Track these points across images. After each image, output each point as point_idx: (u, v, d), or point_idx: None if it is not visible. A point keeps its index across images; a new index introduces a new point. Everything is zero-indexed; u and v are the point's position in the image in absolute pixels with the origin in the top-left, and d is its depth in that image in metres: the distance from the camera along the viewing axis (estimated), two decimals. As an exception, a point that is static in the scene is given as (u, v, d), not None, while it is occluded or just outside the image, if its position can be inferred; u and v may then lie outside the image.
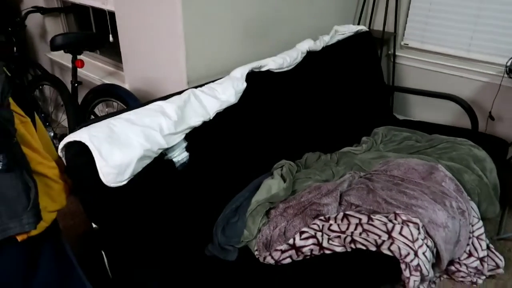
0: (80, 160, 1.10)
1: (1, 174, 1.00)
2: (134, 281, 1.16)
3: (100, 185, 1.09)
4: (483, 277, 1.53)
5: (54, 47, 1.72)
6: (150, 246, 1.21)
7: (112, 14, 1.92)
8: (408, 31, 2.48)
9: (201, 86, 1.50)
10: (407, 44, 2.50)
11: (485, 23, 2.15)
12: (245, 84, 1.54)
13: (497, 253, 1.57)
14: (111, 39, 1.93)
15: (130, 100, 1.62)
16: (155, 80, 1.75)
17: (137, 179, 1.16)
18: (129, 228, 1.17)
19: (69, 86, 1.97)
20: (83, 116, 1.84)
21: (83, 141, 1.09)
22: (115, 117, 1.21)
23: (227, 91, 1.47)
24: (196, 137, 1.35)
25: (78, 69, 1.95)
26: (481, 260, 1.50)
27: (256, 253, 1.34)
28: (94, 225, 1.21)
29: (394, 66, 2.54)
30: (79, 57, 1.90)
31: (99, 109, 2.00)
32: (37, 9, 2.24)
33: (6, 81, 1.04)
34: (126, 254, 1.18)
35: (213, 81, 1.55)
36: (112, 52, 2.21)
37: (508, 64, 2.00)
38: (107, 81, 2.04)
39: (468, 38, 2.24)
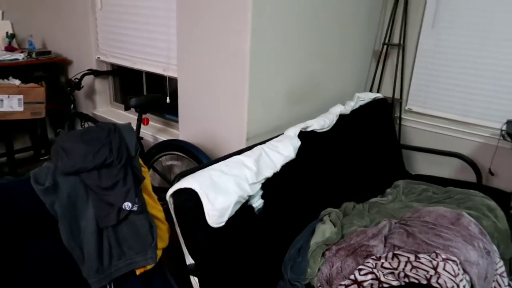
0: (189, 204, 1.31)
1: (136, 215, 1.21)
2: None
3: (205, 226, 1.30)
4: (506, 311, 1.76)
5: (128, 106, 1.97)
6: (238, 280, 1.40)
7: (169, 78, 2.21)
8: (411, 97, 2.86)
9: (262, 143, 1.77)
10: (411, 109, 2.88)
11: (477, 93, 2.50)
12: (299, 142, 1.82)
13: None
14: (168, 100, 2.20)
15: (198, 154, 1.86)
16: (214, 136, 2.01)
17: (229, 221, 1.38)
18: (222, 263, 1.36)
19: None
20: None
21: (193, 188, 1.31)
22: (209, 168, 1.45)
23: (287, 148, 1.74)
24: (268, 187, 1.59)
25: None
26: (504, 295, 1.74)
27: (320, 288, 1.54)
28: (187, 261, 1.39)
29: (400, 127, 2.90)
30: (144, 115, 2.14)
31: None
32: (91, 72, 2.51)
33: (136, 138, 1.28)
34: (219, 285, 1.36)
35: (270, 139, 1.82)
36: (161, 110, 2.48)
37: (503, 128, 2.37)
38: (159, 136, 2.28)
39: (464, 105, 2.59)
